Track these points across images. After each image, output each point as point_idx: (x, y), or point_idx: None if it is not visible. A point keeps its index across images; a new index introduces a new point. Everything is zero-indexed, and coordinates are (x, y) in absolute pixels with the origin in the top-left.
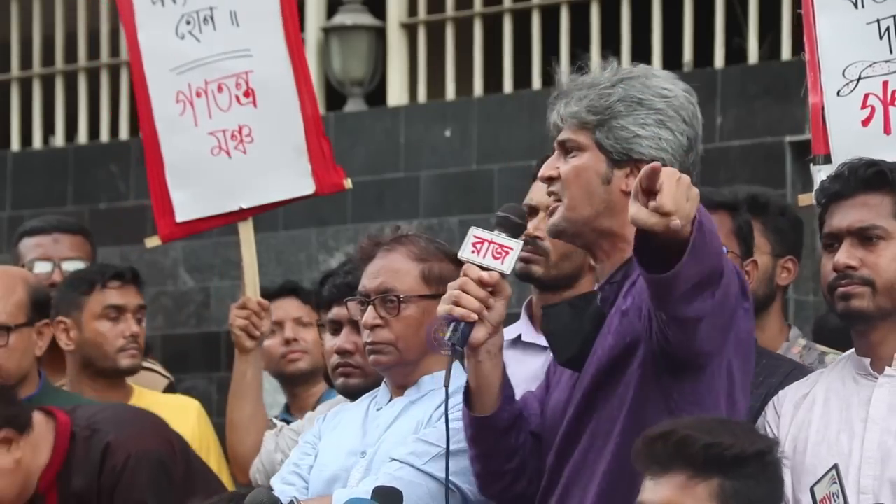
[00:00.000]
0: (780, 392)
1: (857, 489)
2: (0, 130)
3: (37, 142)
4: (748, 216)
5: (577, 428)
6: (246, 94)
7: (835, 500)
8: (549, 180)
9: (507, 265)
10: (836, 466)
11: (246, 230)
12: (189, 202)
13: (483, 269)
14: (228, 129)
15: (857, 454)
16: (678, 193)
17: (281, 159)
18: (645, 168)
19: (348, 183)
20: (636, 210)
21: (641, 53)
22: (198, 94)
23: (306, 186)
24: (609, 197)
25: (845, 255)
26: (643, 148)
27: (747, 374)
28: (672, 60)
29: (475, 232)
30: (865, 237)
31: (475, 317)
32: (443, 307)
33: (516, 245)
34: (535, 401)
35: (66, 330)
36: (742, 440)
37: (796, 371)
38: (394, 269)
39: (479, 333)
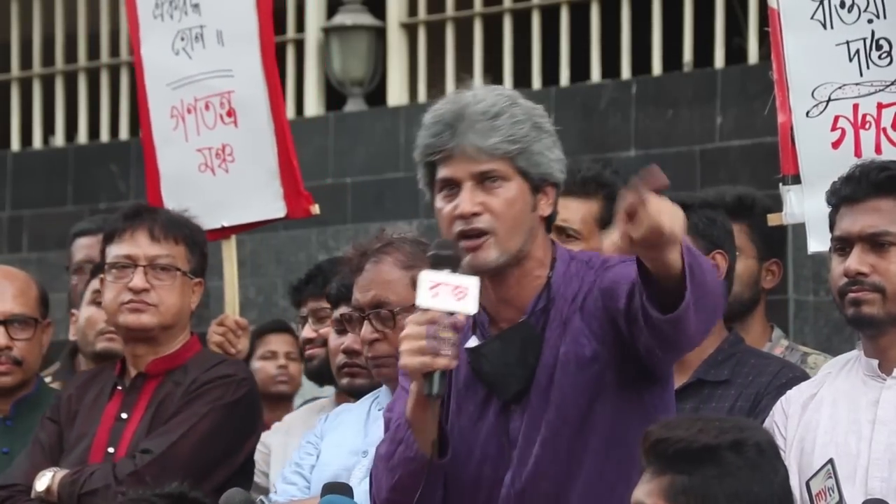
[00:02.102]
0: (788, 392)
1: (865, 491)
2: (0, 130)
3: (37, 142)
4: (710, 213)
5: (548, 467)
6: (228, 114)
7: (830, 495)
8: (474, 216)
9: (472, 304)
10: (831, 461)
11: (228, 249)
12: None
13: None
14: (213, 147)
15: (864, 456)
16: (660, 204)
17: (257, 181)
18: (633, 190)
19: (315, 209)
20: (627, 230)
21: (641, 53)
22: (188, 111)
23: (278, 209)
24: (533, 224)
25: (856, 260)
26: (555, 172)
27: None
28: (672, 60)
29: (429, 276)
30: (877, 243)
31: (456, 363)
32: (419, 360)
33: (473, 282)
34: None
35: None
36: (695, 435)
37: (786, 369)
38: (384, 280)
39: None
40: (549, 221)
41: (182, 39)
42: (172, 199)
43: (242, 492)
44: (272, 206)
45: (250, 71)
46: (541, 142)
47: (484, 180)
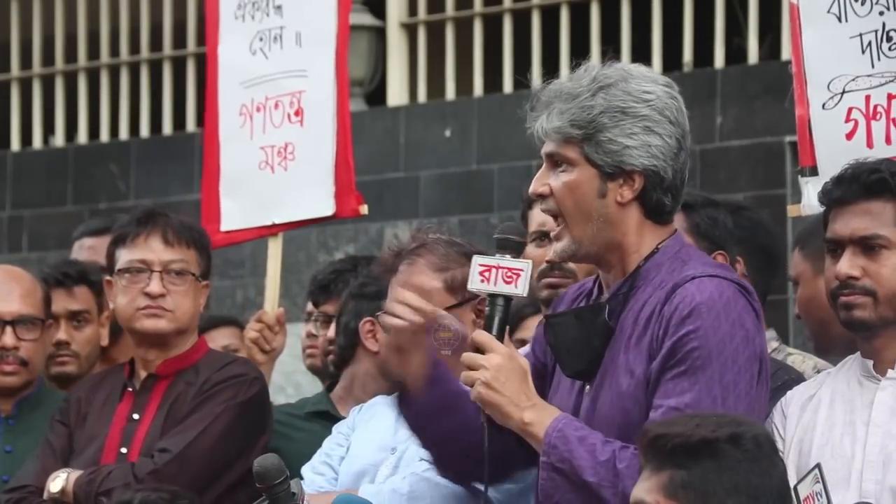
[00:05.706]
0: (788, 393)
1: (859, 493)
2: (0, 130)
3: (37, 142)
4: (713, 212)
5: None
6: (296, 113)
7: (818, 499)
8: (541, 197)
9: (522, 287)
10: (818, 466)
11: (275, 245)
12: (234, 212)
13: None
14: (276, 145)
15: (859, 458)
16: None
17: (313, 179)
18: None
19: (364, 209)
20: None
21: (641, 53)
22: (258, 109)
23: (328, 208)
24: (606, 210)
25: (847, 264)
26: (634, 158)
27: None
28: (672, 60)
29: (479, 261)
30: (867, 246)
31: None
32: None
33: (526, 266)
34: None
35: None
36: (693, 430)
37: (781, 371)
38: (418, 284)
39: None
40: (655, 210)
41: (261, 40)
42: (228, 196)
43: (274, 457)
44: (323, 204)
45: (324, 72)
46: (618, 127)
47: (553, 162)
